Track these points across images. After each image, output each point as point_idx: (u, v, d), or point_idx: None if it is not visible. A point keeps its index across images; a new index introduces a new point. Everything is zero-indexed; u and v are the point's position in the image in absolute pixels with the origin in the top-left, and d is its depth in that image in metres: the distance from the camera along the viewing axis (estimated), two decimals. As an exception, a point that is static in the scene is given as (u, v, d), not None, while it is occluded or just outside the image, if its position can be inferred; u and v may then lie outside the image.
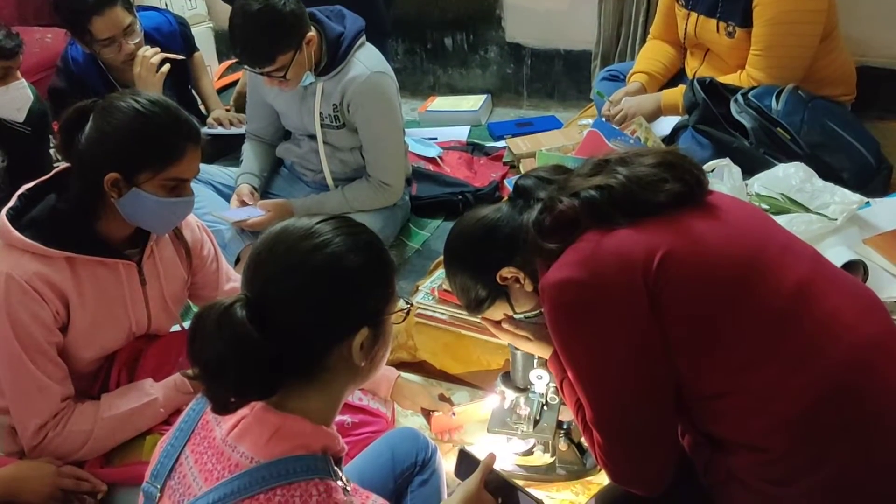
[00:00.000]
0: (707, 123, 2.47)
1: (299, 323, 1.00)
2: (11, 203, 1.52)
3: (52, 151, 2.50)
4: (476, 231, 1.38)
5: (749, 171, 2.31)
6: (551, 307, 1.20)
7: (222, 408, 0.99)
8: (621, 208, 1.20)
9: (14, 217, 1.49)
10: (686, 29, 2.65)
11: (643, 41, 3.08)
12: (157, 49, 2.62)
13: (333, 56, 2.35)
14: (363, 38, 2.41)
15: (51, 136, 2.51)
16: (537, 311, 1.43)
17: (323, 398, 1.05)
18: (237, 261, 2.31)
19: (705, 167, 2.21)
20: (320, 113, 2.43)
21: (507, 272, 1.34)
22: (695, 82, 2.54)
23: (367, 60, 2.38)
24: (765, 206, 2.12)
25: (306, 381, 1.03)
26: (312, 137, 2.51)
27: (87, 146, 1.46)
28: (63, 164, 1.59)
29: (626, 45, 3.18)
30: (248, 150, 2.68)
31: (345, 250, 1.04)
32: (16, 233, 1.46)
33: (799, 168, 2.16)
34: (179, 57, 2.78)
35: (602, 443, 1.22)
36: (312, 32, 2.28)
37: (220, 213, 2.41)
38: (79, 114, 1.48)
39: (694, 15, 2.60)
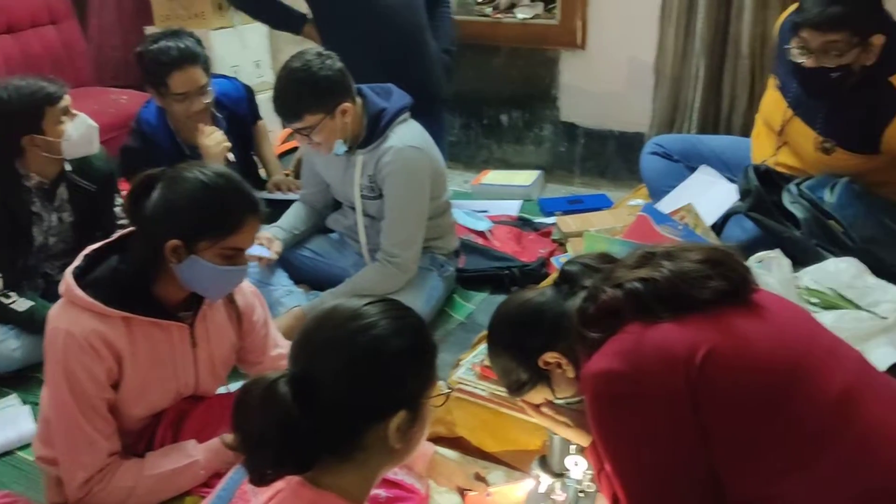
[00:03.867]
0: (760, 211, 2.46)
1: (339, 402, 1.03)
2: (77, 262, 1.60)
3: (117, 209, 2.61)
4: (520, 314, 1.40)
5: (800, 262, 2.29)
6: (592, 397, 1.21)
7: (259, 479, 1.02)
8: (665, 302, 1.21)
9: (78, 276, 1.56)
10: (782, 125, 2.51)
11: (698, 127, 3.11)
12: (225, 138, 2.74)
13: (373, 130, 2.43)
14: (406, 114, 2.49)
15: (116, 195, 2.63)
16: (578, 399, 1.43)
17: (358, 476, 1.07)
18: None
19: (755, 257, 2.21)
20: (360, 184, 2.50)
21: (549, 357, 1.35)
22: (750, 168, 2.54)
23: (405, 134, 2.44)
24: (814, 301, 2.10)
25: (342, 458, 1.05)
26: (355, 208, 2.57)
27: (152, 212, 1.54)
28: (126, 223, 1.67)
29: (681, 129, 3.21)
30: (291, 210, 2.79)
31: (389, 334, 1.07)
32: (78, 291, 1.53)
33: (851, 263, 2.14)
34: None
35: None
36: (350, 104, 2.37)
37: None
38: (148, 181, 1.56)
39: (790, 112, 2.47)
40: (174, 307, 1.65)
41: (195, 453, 1.63)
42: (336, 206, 2.79)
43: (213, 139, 2.69)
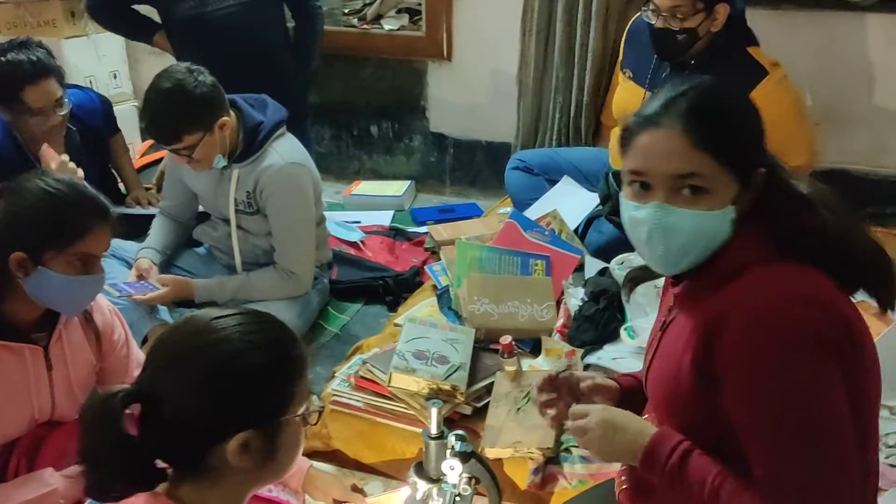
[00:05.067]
0: (618, 215, 2.57)
1: (181, 420, 0.98)
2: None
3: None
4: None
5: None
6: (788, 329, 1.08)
7: (101, 496, 0.98)
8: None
9: None
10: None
11: (559, 137, 3.22)
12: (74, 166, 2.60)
13: (250, 143, 2.39)
14: (283, 128, 2.46)
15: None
16: None
17: (219, 494, 1.03)
18: (145, 340, 2.27)
19: (616, 260, 2.32)
20: (235, 198, 2.45)
21: None
22: (610, 175, 2.67)
23: (284, 151, 2.42)
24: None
25: (196, 475, 1.01)
26: (228, 221, 2.52)
27: None
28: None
29: (544, 139, 3.31)
30: (156, 225, 2.68)
31: (240, 348, 1.02)
32: None
33: (703, 263, 2.27)
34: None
35: None
36: (228, 118, 2.33)
37: (111, 284, 2.31)
38: None
39: (649, 94, 2.60)
40: (26, 328, 1.56)
41: (53, 482, 1.54)
42: (201, 216, 2.72)
43: (61, 168, 2.56)
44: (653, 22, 2.44)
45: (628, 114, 1.25)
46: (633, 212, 1.19)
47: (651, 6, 2.44)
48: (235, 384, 1.01)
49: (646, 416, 1.36)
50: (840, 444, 1.07)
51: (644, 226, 1.17)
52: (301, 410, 1.08)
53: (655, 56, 2.56)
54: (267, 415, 1.03)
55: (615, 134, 2.86)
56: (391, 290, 2.81)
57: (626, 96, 2.73)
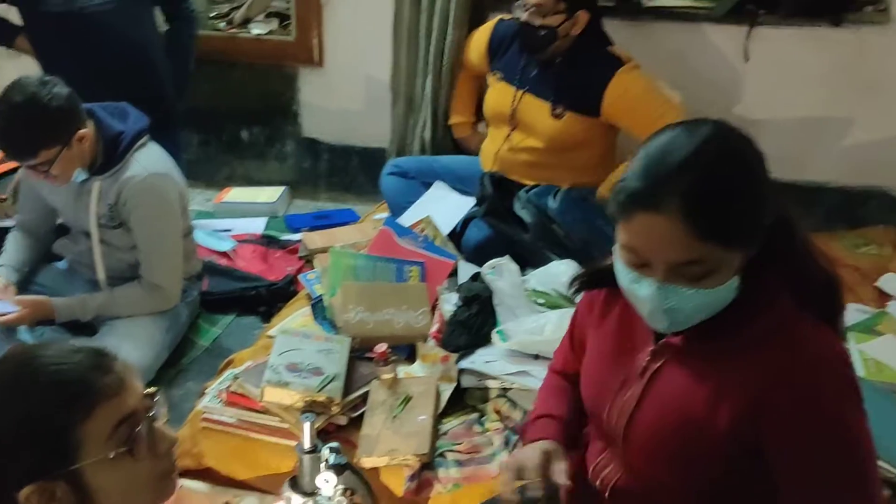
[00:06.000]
0: (494, 216, 2.66)
1: None
2: None
3: None
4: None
5: (529, 264, 2.50)
6: (839, 379, 1.14)
7: None
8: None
9: None
10: (513, 106, 2.76)
11: (432, 145, 3.26)
12: None
13: (111, 155, 2.30)
14: (146, 137, 2.38)
15: None
16: None
17: None
18: None
19: (487, 265, 2.37)
20: (96, 212, 2.35)
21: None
22: (486, 177, 2.74)
23: (147, 161, 2.34)
24: (541, 301, 2.28)
25: None
26: (89, 235, 2.41)
27: None
28: None
29: (418, 146, 3.33)
30: (11, 241, 2.54)
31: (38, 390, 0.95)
32: None
33: (570, 265, 2.35)
34: None
35: None
36: (86, 129, 2.23)
37: None
38: None
39: (520, 92, 2.74)
40: None
41: None
42: (60, 229, 2.59)
43: None
44: (520, 16, 2.62)
45: (499, 113, 1.22)
46: (632, 284, 1.15)
47: (519, 5, 2.62)
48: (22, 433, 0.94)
49: (601, 457, 1.37)
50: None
51: (645, 304, 1.14)
52: (107, 452, 0.97)
53: (523, 56, 2.72)
54: (46, 467, 0.94)
55: (464, 138, 2.99)
56: (264, 301, 2.77)
57: (498, 97, 2.84)
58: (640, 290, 1.13)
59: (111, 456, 0.97)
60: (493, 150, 2.85)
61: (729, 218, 1.05)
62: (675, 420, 1.21)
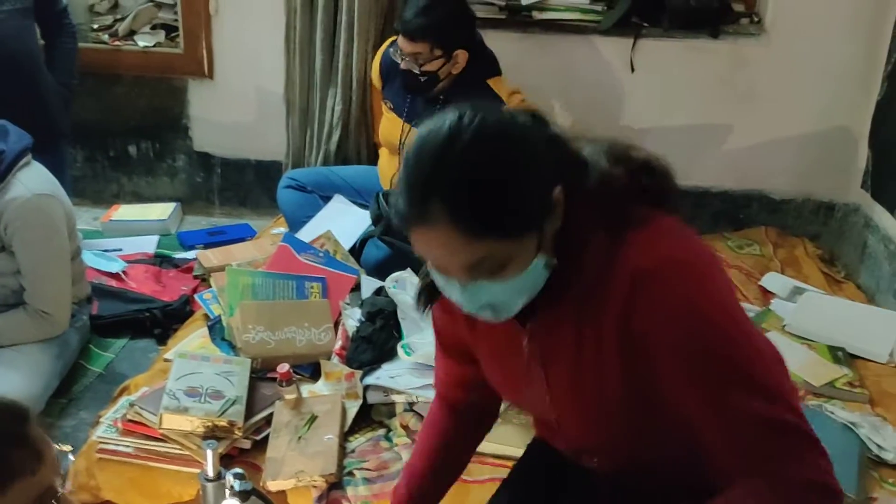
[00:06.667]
0: (390, 234, 2.65)
1: None
2: None
3: None
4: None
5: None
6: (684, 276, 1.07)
7: None
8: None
9: None
10: (402, 139, 2.75)
11: (329, 157, 3.23)
12: None
13: None
14: (28, 157, 2.28)
15: None
16: None
17: None
18: None
19: (391, 278, 2.36)
20: None
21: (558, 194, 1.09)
22: (380, 195, 2.72)
23: (30, 181, 2.24)
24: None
25: None
26: (-32, 261, 2.28)
27: None
28: None
29: (314, 157, 3.30)
30: None
31: None
32: None
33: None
34: None
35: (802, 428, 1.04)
36: None
37: None
38: None
39: (407, 126, 2.74)
40: None
41: None
42: None
43: None
44: (399, 62, 2.62)
45: (391, 143, 1.23)
46: (445, 288, 1.12)
47: (397, 49, 2.61)
48: None
49: (595, 461, 1.32)
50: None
51: (462, 304, 1.12)
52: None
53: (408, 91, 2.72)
54: None
55: (384, 155, 2.94)
56: (159, 322, 2.68)
57: (390, 127, 2.84)
58: (451, 293, 1.11)
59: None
60: (389, 174, 2.84)
61: (496, 212, 1.01)
62: (590, 389, 1.17)
